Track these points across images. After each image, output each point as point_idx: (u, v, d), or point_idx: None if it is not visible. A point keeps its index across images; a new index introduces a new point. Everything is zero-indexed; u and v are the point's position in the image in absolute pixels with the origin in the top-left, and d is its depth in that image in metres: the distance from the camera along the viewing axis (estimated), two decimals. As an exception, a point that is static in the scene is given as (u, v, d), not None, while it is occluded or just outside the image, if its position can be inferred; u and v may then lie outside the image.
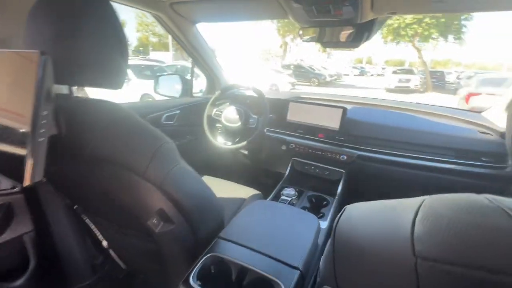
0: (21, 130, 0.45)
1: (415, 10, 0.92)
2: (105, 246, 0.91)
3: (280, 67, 18.50)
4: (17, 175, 0.52)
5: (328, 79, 17.17)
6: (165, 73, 1.74)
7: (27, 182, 0.44)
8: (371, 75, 28.80)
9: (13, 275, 0.92)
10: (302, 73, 16.08)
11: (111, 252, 0.94)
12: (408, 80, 13.08)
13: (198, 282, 0.58)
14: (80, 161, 0.56)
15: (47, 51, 0.48)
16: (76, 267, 1.06)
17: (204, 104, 1.51)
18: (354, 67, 30.70)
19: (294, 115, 1.43)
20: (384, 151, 1.22)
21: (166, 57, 17.35)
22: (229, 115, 1.39)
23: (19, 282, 0.92)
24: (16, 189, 0.88)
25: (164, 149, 0.59)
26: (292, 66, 16.80)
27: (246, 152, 1.58)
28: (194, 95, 1.69)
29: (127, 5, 0.99)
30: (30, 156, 0.43)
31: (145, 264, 0.88)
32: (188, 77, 1.67)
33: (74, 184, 0.67)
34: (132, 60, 7.44)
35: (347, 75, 26.76)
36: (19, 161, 0.48)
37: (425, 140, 1.21)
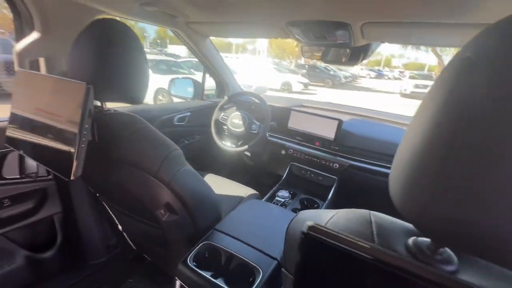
0: (68, 136, 0.60)
1: (400, 41, 1.01)
2: (120, 229, 1.08)
3: (294, 66, 18.43)
4: (51, 165, 0.68)
5: (343, 80, 17.01)
6: (180, 76, 1.89)
7: (72, 177, 0.59)
8: (388, 78, 28.21)
9: (44, 248, 1.11)
10: (316, 73, 16.01)
11: (125, 234, 1.10)
12: (425, 86, 12.78)
13: (194, 263, 0.72)
14: (107, 161, 0.71)
15: (86, 72, 0.63)
16: (94, 246, 1.23)
17: (213, 107, 1.65)
18: (371, 70, 30.12)
19: (295, 123, 1.55)
20: (374, 162, 1.32)
21: (183, 51, 17.61)
22: (234, 120, 1.53)
23: (48, 254, 1.10)
24: (50, 177, 1.05)
25: (172, 155, 0.73)
26: (306, 66, 16.74)
27: (249, 154, 1.71)
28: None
29: (150, 24, 1.14)
30: (75, 157, 0.58)
31: (152, 247, 1.04)
32: (201, 80, 1.81)
33: (99, 178, 0.83)
34: (149, 55, 7.69)
35: (364, 77, 26.35)
36: (54, 154, 0.63)
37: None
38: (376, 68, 35.25)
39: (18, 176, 0.97)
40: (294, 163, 1.55)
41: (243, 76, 10.41)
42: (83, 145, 0.59)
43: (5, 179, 0.94)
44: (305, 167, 1.51)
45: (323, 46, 1.18)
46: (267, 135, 1.58)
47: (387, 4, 0.74)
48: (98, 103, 0.73)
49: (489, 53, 0.21)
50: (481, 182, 0.21)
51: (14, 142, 0.74)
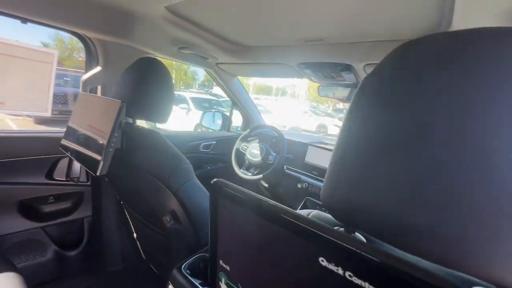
0: (101, 142, 0.76)
1: None
2: (134, 237, 1.18)
3: (332, 110, 18.57)
4: (87, 165, 0.82)
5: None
6: (211, 110, 2.11)
7: (97, 173, 0.73)
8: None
9: (71, 247, 1.25)
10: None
11: (138, 243, 1.19)
12: None
13: (188, 271, 0.77)
14: (129, 167, 0.85)
15: (126, 96, 0.81)
16: (112, 253, 1.34)
17: (237, 139, 1.79)
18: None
19: (312, 157, 1.59)
20: None
21: (226, 92, 19.10)
22: (253, 150, 1.63)
23: (74, 252, 1.24)
24: (88, 183, 1.24)
25: (181, 167, 0.84)
26: (344, 111, 16.73)
27: (266, 185, 1.76)
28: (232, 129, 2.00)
29: (186, 63, 1.37)
30: (102, 158, 0.72)
31: (158, 256, 1.10)
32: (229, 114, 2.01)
33: (123, 183, 0.97)
34: (196, 94, 8.58)
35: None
36: (91, 155, 0.78)
37: None
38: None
39: (64, 179, 1.16)
40: (310, 197, 1.55)
41: (279, 116, 10.81)
42: (111, 149, 0.74)
43: (54, 179, 1.14)
44: (320, 202, 1.50)
45: (335, 85, 1.27)
46: (284, 167, 1.63)
47: (382, 48, 0.83)
48: (131, 120, 0.90)
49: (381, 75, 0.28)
50: (367, 172, 0.26)
51: (66, 149, 0.93)
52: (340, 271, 0.18)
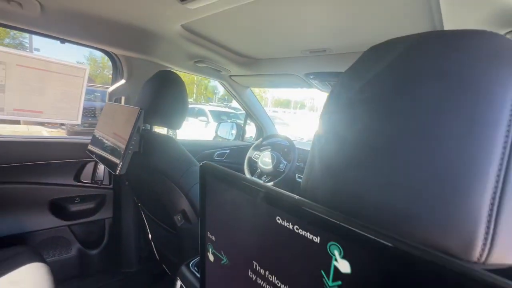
0: (121, 146, 0.84)
1: None
2: (149, 238, 1.24)
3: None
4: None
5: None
6: (227, 121, 2.20)
7: (117, 172, 0.80)
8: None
9: (92, 246, 1.34)
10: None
11: (152, 244, 1.26)
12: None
13: (195, 268, 0.82)
14: (146, 169, 0.92)
15: (145, 105, 0.89)
16: (129, 255, 1.42)
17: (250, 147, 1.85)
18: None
19: (323, 166, 1.60)
20: None
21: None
22: (264, 158, 1.67)
23: (94, 252, 1.33)
24: (110, 186, 1.34)
25: (192, 170, 0.90)
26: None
27: (278, 194, 1.78)
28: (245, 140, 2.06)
29: (201, 76, 1.48)
30: (121, 158, 0.80)
31: (170, 257, 1.15)
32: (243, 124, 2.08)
33: (139, 186, 1.05)
34: (214, 107, 8.87)
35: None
36: (114, 164, 0.87)
37: None
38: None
39: (89, 182, 1.27)
40: (321, 206, 1.55)
41: (297, 129, 10.80)
42: (129, 152, 0.82)
43: (81, 182, 1.25)
44: None
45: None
46: (296, 176, 1.65)
47: None
48: (149, 127, 0.99)
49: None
50: (332, 162, 0.30)
51: (92, 153, 1.03)
52: (290, 226, 0.22)
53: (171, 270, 1.27)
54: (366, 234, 0.18)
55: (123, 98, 1.25)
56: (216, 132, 2.11)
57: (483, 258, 0.20)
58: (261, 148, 1.81)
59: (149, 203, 1.08)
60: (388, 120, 0.23)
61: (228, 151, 1.86)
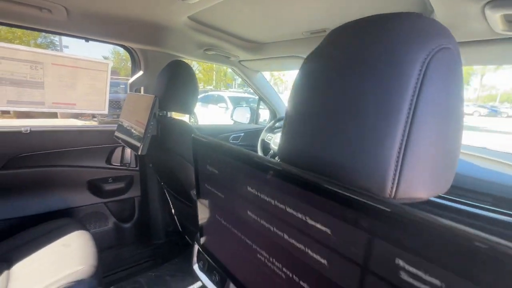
0: (142, 130, 0.96)
1: None
2: (173, 213, 1.40)
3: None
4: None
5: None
6: (242, 105, 2.28)
7: (139, 152, 0.93)
8: (508, 116, 22.75)
9: (125, 221, 1.53)
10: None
11: (175, 218, 1.42)
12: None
13: (209, 235, 0.94)
14: (163, 151, 1.05)
15: (160, 93, 1.00)
16: (157, 228, 1.60)
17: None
18: (481, 106, 25.09)
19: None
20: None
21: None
22: (276, 140, 1.74)
23: (128, 225, 1.52)
24: (137, 168, 1.50)
25: None
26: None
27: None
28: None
29: (212, 63, 1.55)
30: (142, 141, 0.93)
31: (190, 226, 1.30)
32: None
33: (160, 166, 1.18)
34: (233, 93, 8.96)
35: (470, 115, 22.18)
36: (136, 146, 1.00)
37: (463, 183, 1.19)
38: (490, 104, 29.21)
39: (119, 164, 1.44)
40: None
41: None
42: (148, 135, 0.94)
43: (112, 164, 1.42)
44: None
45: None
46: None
47: None
48: (165, 113, 1.11)
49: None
50: (299, 128, 0.37)
51: (118, 138, 1.17)
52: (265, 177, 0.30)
53: (192, 240, 1.42)
54: (316, 181, 0.26)
55: (142, 88, 1.37)
56: (231, 116, 2.20)
57: (393, 194, 0.27)
58: (274, 130, 1.88)
59: (169, 181, 1.22)
60: (329, 98, 0.30)
61: (243, 134, 1.95)
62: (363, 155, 0.27)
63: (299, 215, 0.26)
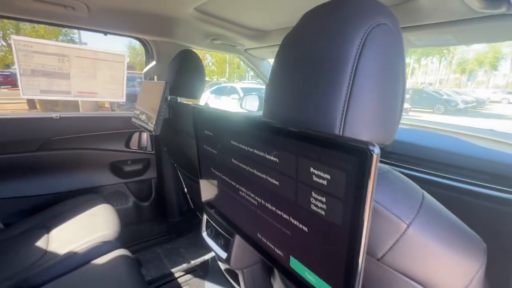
0: (155, 115, 1.08)
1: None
2: (185, 191, 1.53)
3: (394, 91, 16.82)
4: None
5: (461, 106, 14.19)
6: (251, 94, 2.35)
7: (153, 133, 1.05)
8: (539, 103, 21.19)
9: (143, 200, 1.68)
10: (423, 98, 14.13)
11: (188, 196, 1.54)
12: None
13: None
14: (175, 132, 1.16)
15: (171, 80, 1.11)
16: (172, 207, 1.74)
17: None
18: (509, 93, 23.52)
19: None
20: (424, 170, 1.29)
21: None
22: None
23: (146, 204, 1.67)
24: (153, 152, 1.64)
25: None
26: (410, 91, 15.02)
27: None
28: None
29: (219, 52, 1.64)
30: (155, 123, 1.04)
31: (199, 203, 1.42)
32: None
33: (173, 148, 1.30)
34: (245, 84, 9.03)
35: (498, 102, 20.91)
36: (151, 128, 1.11)
37: (462, 162, 1.22)
38: (519, 90, 27.26)
39: (136, 148, 1.58)
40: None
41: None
42: (161, 117, 1.05)
43: (130, 148, 1.56)
44: None
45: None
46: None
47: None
48: (176, 98, 1.21)
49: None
50: (277, 95, 0.45)
51: (135, 124, 1.30)
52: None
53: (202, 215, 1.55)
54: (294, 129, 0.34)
55: (155, 77, 1.49)
56: (240, 105, 2.29)
57: None
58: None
59: (182, 161, 1.34)
60: (296, 76, 0.38)
61: (251, 121, 2.04)
62: (319, 112, 0.35)
63: (261, 153, 0.35)
